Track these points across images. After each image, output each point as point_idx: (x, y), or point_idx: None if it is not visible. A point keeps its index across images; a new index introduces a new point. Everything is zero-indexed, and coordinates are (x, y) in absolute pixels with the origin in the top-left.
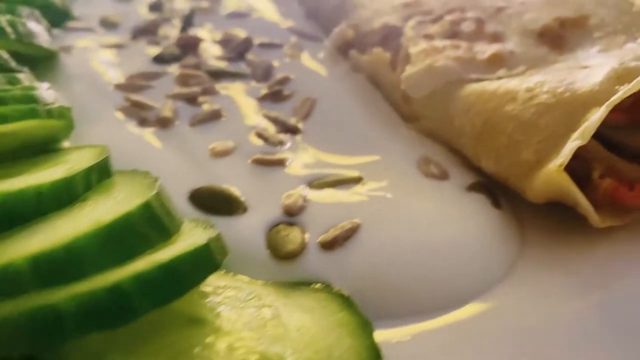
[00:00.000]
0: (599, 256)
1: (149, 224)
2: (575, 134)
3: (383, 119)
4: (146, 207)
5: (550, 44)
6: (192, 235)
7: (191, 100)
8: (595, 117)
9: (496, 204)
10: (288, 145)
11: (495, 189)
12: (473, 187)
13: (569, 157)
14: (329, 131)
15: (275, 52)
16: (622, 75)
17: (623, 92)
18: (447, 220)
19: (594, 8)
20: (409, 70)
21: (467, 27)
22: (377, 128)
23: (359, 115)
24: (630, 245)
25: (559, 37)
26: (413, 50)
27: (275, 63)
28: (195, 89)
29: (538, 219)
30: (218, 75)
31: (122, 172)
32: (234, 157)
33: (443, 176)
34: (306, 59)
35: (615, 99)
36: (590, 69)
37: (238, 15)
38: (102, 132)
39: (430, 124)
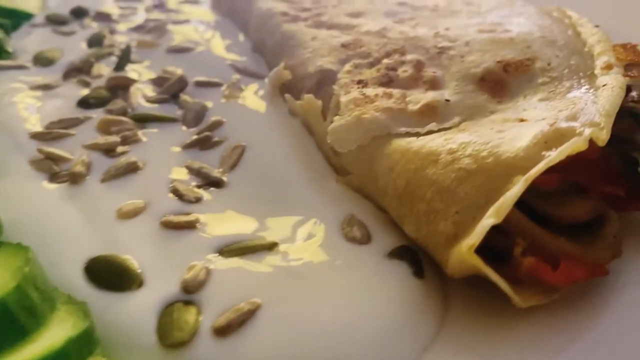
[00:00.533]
0: (522, 338)
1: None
2: (490, 211)
3: (314, 171)
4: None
5: (491, 91)
6: (56, 331)
7: (108, 151)
8: (512, 193)
9: (418, 272)
10: (205, 201)
11: (419, 254)
12: (395, 253)
13: (481, 237)
14: (254, 184)
15: (213, 91)
16: (550, 139)
17: (543, 164)
18: (360, 295)
19: (542, 48)
20: (337, 121)
21: (403, 72)
22: (306, 181)
23: (289, 166)
24: (555, 326)
25: (500, 83)
26: (343, 99)
27: (210, 104)
28: (114, 139)
29: (463, 288)
30: (145, 120)
31: (4, 247)
32: (142, 218)
33: (364, 240)
34: (244, 100)
35: (534, 173)
36: (523, 126)
37: (180, 50)
38: (7, 188)
39: (358, 180)
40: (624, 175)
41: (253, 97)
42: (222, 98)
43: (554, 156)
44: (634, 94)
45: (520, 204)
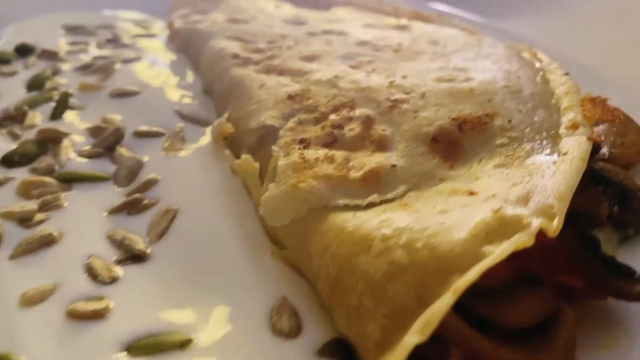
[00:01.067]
0: None
1: None
2: (416, 325)
3: (249, 241)
4: None
5: (443, 153)
6: None
7: (24, 220)
8: (440, 305)
9: None
10: (122, 281)
11: (353, 350)
12: (325, 350)
13: (404, 358)
14: (181, 258)
15: (153, 142)
16: (492, 231)
17: (477, 270)
18: None
19: (504, 101)
20: (271, 190)
21: (350, 130)
22: (238, 254)
23: (222, 234)
24: None
25: (454, 144)
26: (281, 162)
27: (146, 158)
28: (31, 206)
29: None
30: (71, 180)
31: None
32: (48, 305)
33: (293, 333)
34: (184, 153)
35: (465, 282)
36: (469, 205)
37: (124, 95)
38: None
39: (293, 256)
40: (583, 258)
41: (195, 151)
42: (161, 151)
43: (489, 260)
44: (604, 150)
45: (459, 304)
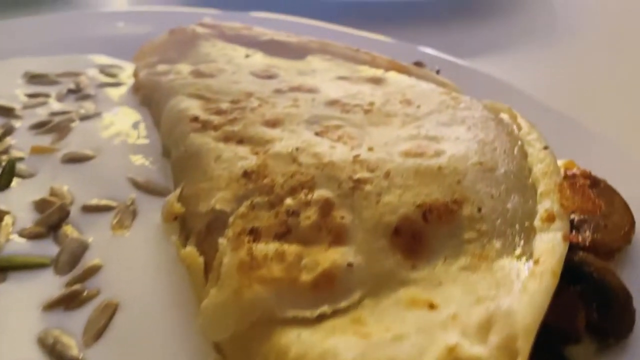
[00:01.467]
0: None
1: None
2: None
3: (193, 346)
4: None
5: (405, 250)
6: None
7: None
8: None
9: None
10: None
11: None
12: None
13: None
14: None
15: (102, 218)
16: None
17: None
18: None
19: (474, 183)
20: (211, 298)
21: (306, 218)
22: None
23: (164, 336)
24: None
25: (417, 238)
26: (226, 260)
27: (91, 239)
28: None
29: None
30: (7, 268)
31: None
32: None
33: None
34: (133, 232)
35: None
36: (424, 332)
37: (76, 160)
38: None
39: None
40: None
41: (144, 229)
42: (109, 229)
43: None
44: (586, 234)
45: None
